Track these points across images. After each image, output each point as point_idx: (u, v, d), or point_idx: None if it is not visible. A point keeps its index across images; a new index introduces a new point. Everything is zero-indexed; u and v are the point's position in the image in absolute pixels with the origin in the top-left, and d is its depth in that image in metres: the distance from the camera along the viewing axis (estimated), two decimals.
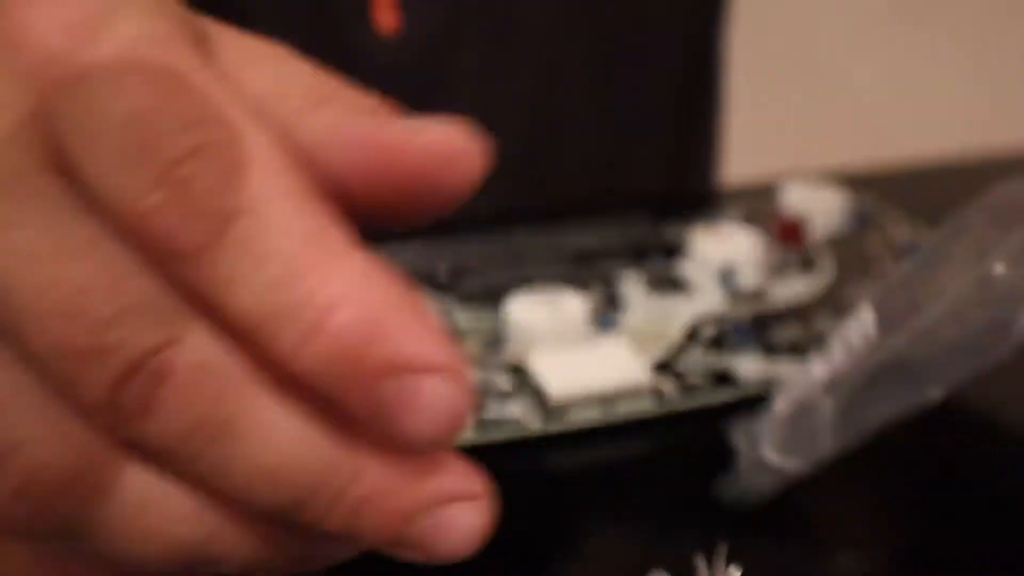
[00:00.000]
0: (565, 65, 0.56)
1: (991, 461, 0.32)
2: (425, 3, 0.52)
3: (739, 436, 0.30)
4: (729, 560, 0.27)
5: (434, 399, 0.16)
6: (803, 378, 0.29)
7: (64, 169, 0.17)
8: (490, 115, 0.55)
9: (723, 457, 0.32)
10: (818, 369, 0.29)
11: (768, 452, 0.28)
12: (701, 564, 0.27)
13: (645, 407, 0.33)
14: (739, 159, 0.72)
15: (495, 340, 0.35)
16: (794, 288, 0.39)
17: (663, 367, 0.35)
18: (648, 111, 0.60)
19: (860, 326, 0.29)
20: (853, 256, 0.41)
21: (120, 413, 0.16)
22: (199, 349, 0.16)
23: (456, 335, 0.36)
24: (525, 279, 0.39)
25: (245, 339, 0.16)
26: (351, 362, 0.15)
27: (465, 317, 0.37)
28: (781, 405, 0.29)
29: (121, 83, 0.17)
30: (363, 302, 0.16)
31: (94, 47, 0.17)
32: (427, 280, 0.39)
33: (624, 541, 0.30)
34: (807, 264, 0.40)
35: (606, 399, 0.33)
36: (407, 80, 0.54)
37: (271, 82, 0.21)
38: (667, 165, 0.61)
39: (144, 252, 0.16)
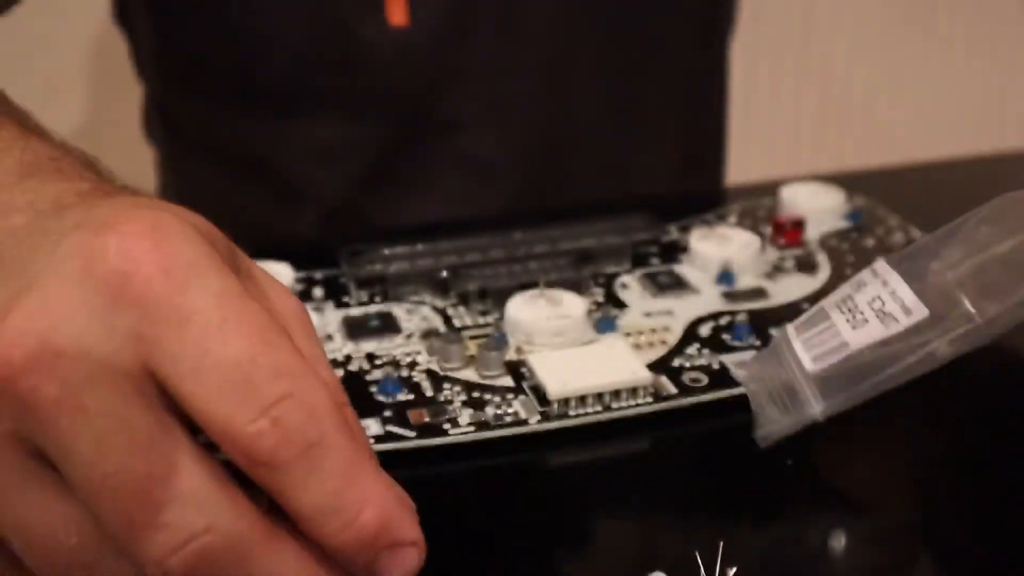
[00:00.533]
0: (573, 64, 0.56)
1: (988, 469, 0.33)
2: None
3: (760, 387, 0.31)
4: (728, 560, 0.27)
5: (408, 561, 0.23)
6: (832, 336, 0.30)
7: (141, 376, 0.22)
8: (498, 110, 0.56)
9: (724, 451, 0.33)
10: (849, 333, 0.30)
11: (812, 405, 0.30)
12: (701, 564, 0.27)
13: (644, 405, 0.33)
14: (739, 160, 0.72)
15: (495, 340, 0.35)
16: (792, 288, 0.39)
17: (661, 366, 0.35)
18: (655, 111, 0.60)
19: (895, 299, 0.30)
20: (850, 256, 0.42)
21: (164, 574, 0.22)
22: (231, 530, 0.22)
23: (456, 335, 0.36)
24: (525, 279, 0.39)
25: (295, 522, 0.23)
26: (367, 543, 0.23)
27: (465, 317, 0.37)
28: (810, 359, 0.30)
29: (224, 331, 0.22)
30: (380, 504, 0.23)
31: (189, 295, 0.22)
32: (427, 280, 0.39)
33: (624, 541, 0.30)
34: (805, 264, 0.41)
35: (605, 397, 0.33)
36: (417, 72, 0.54)
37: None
38: (673, 165, 0.62)
39: (231, 456, 0.22)
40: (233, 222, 0.64)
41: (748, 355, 0.35)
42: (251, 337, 0.22)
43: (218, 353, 0.22)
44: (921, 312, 0.29)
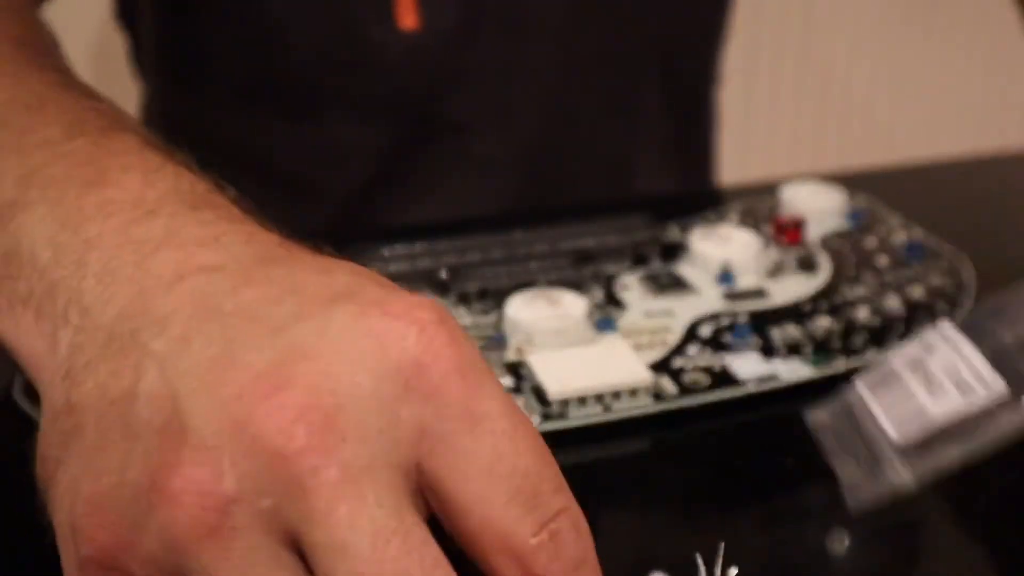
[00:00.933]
0: (580, 67, 0.56)
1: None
2: (440, 2, 0.52)
3: (842, 451, 0.30)
4: (728, 560, 0.27)
5: None
6: (910, 401, 0.29)
7: (413, 472, 0.21)
8: (506, 112, 0.56)
9: (726, 454, 0.33)
10: (928, 400, 0.29)
11: (898, 472, 0.29)
12: (701, 564, 0.27)
13: (644, 406, 0.33)
14: (740, 160, 0.72)
15: (495, 340, 0.35)
16: (792, 288, 0.39)
17: (662, 366, 0.35)
18: (658, 114, 0.60)
19: (970, 368, 0.29)
20: (851, 256, 0.42)
21: None
22: None
23: None
24: (525, 279, 0.39)
25: None
26: None
27: (465, 317, 0.37)
28: (893, 428, 0.29)
29: (516, 440, 0.22)
30: None
31: (483, 399, 0.22)
32: (427, 280, 0.39)
33: (624, 541, 0.30)
34: (805, 264, 0.41)
35: (605, 398, 0.33)
36: (426, 74, 0.54)
37: None
38: (674, 166, 0.62)
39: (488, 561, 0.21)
40: None
41: (749, 355, 0.35)
42: (537, 449, 0.22)
43: (512, 460, 0.21)
44: (998, 385, 0.29)
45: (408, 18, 0.52)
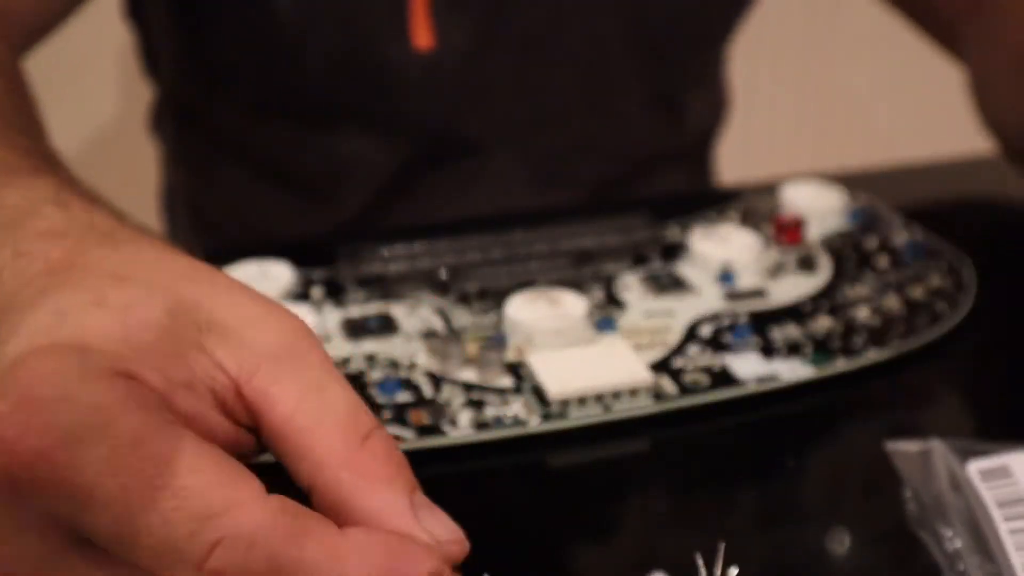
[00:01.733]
0: (595, 85, 0.56)
1: None
2: (456, 22, 0.52)
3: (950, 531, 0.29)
4: (728, 560, 0.27)
5: None
6: None
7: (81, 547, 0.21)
8: (521, 130, 0.56)
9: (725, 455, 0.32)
10: None
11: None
12: (701, 564, 0.27)
13: (644, 406, 0.33)
14: (740, 159, 0.72)
15: (495, 340, 0.35)
16: (792, 288, 0.39)
17: (662, 366, 0.35)
18: (679, 137, 0.60)
19: None
20: (851, 256, 0.42)
21: None
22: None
23: (456, 335, 0.36)
24: (525, 279, 0.39)
25: None
26: None
27: (465, 317, 0.37)
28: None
29: (128, 502, 0.20)
30: None
31: (80, 468, 0.20)
32: (427, 280, 0.39)
33: (624, 541, 0.30)
34: (805, 264, 0.41)
35: (605, 398, 0.33)
36: (441, 93, 0.54)
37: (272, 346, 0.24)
38: (685, 179, 0.62)
39: None
40: (243, 220, 0.64)
41: (749, 355, 0.35)
42: (158, 495, 0.21)
43: (130, 528, 0.20)
44: None
45: (423, 37, 0.51)
